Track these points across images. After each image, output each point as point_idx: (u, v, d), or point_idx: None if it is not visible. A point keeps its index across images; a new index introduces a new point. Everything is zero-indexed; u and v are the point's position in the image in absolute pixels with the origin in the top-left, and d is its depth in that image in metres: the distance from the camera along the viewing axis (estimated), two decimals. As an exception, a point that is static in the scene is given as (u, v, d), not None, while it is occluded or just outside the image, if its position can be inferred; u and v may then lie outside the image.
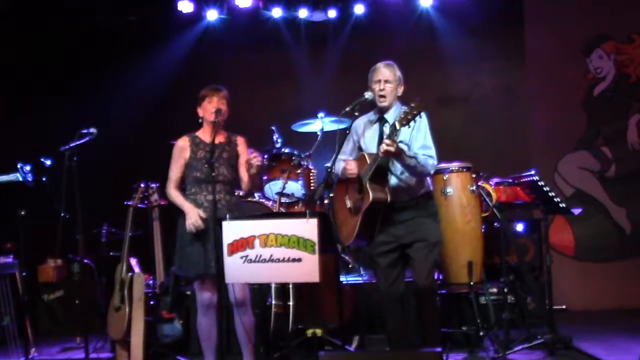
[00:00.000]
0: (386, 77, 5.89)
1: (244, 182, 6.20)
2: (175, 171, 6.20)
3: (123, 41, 9.85)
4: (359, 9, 9.88)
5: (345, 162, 5.94)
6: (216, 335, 6.11)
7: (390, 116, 5.89)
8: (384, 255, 5.90)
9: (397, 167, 5.79)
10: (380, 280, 5.97)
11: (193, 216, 6.01)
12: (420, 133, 5.78)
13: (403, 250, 5.87)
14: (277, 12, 9.95)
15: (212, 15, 10.02)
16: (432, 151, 5.82)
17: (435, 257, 5.90)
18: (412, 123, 5.48)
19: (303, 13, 9.96)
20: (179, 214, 6.17)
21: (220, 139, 6.16)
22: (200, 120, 6.23)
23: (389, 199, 5.70)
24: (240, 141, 6.27)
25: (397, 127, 5.49)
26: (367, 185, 5.69)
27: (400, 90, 5.97)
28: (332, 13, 9.94)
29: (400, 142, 5.65)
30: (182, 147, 6.21)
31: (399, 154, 5.59)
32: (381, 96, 5.88)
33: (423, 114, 5.55)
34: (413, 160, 5.66)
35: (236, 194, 6.34)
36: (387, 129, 5.77)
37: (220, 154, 6.14)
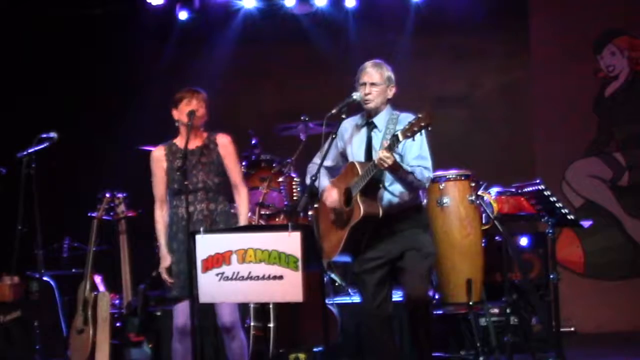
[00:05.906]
0: (372, 80, 5.81)
1: (236, 188, 6.13)
2: (156, 187, 6.10)
3: (86, 38, 9.82)
4: (349, 2, 9.87)
5: (326, 191, 5.89)
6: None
7: (379, 121, 5.84)
8: (372, 272, 5.80)
9: (387, 177, 5.71)
10: (367, 300, 5.88)
11: (163, 263, 6.01)
12: (415, 142, 5.62)
13: (393, 265, 5.79)
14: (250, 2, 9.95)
15: (183, 15, 10.02)
16: (428, 162, 5.74)
17: (428, 266, 5.81)
18: (417, 136, 5.42)
19: (289, 2, 9.87)
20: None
21: (197, 142, 6.08)
22: (176, 124, 6.09)
23: (381, 213, 5.62)
24: (221, 141, 6.12)
25: (400, 138, 5.39)
26: (358, 198, 5.60)
27: (391, 92, 5.89)
28: (320, 1, 9.88)
29: (393, 150, 5.60)
30: (158, 158, 6.10)
31: (396, 169, 5.51)
32: (366, 100, 5.82)
33: None
34: (410, 176, 5.60)
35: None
36: (375, 135, 5.76)
37: (198, 159, 6.04)
